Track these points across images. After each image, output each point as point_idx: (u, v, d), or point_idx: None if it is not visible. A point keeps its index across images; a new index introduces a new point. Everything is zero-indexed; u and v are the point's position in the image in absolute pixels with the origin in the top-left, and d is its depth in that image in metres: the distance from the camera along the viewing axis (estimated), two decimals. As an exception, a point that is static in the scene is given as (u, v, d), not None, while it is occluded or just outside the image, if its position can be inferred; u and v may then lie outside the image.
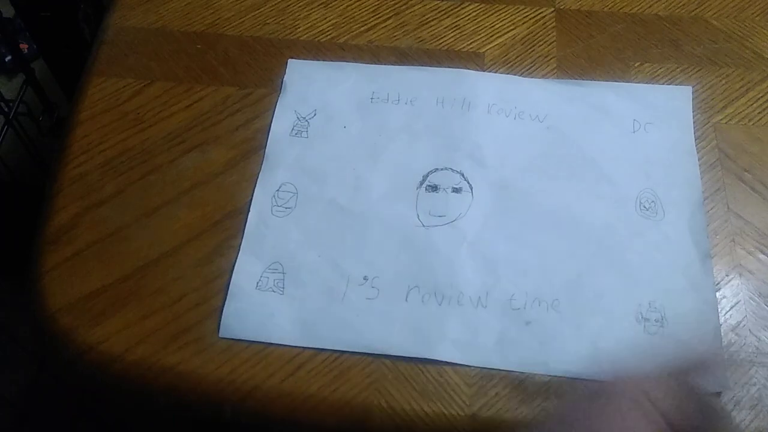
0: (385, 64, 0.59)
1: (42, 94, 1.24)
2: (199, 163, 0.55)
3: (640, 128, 0.55)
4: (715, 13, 0.62)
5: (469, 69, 0.59)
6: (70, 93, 0.61)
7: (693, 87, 0.57)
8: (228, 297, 0.49)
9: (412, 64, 0.59)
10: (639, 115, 0.56)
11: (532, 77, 0.58)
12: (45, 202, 0.53)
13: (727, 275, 0.50)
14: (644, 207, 0.52)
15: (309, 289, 0.49)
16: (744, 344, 0.47)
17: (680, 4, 0.63)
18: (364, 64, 0.59)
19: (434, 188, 0.53)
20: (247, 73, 0.59)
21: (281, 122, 0.56)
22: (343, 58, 0.60)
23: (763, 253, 0.50)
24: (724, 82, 0.58)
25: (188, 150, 0.55)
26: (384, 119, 0.56)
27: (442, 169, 0.54)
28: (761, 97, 0.57)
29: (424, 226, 0.51)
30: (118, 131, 0.56)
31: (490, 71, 0.59)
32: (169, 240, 0.51)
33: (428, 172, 0.54)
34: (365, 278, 0.49)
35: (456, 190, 0.53)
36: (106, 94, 0.58)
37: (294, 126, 0.56)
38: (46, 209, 0.53)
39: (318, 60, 0.60)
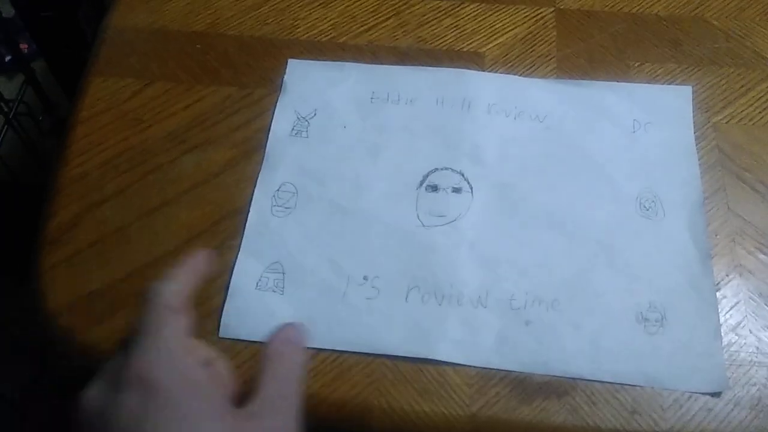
0: (385, 64, 0.59)
1: (42, 94, 1.24)
2: (199, 163, 0.55)
3: (640, 128, 0.55)
4: (715, 13, 0.62)
5: (469, 69, 0.59)
6: (70, 93, 0.62)
7: (693, 87, 0.57)
8: (228, 297, 0.49)
9: (413, 64, 0.59)
10: (639, 115, 0.56)
11: (532, 77, 0.58)
12: (45, 202, 0.53)
13: (727, 275, 0.50)
14: (644, 207, 0.52)
15: (309, 289, 0.49)
16: (744, 344, 0.47)
17: (680, 4, 0.63)
18: (364, 64, 0.59)
19: (434, 188, 0.53)
20: (247, 73, 0.59)
21: (281, 122, 0.56)
22: (343, 58, 0.60)
23: (763, 253, 0.50)
24: (724, 82, 0.58)
25: (188, 150, 0.55)
26: (384, 119, 0.56)
27: (442, 169, 0.54)
28: (761, 97, 0.57)
29: (424, 226, 0.51)
30: (118, 131, 0.56)
31: (490, 71, 0.59)
32: (169, 240, 0.51)
33: (428, 172, 0.54)
34: (365, 278, 0.49)
35: (456, 190, 0.53)
36: (106, 94, 0.58)
37: (294, 126, 0.56)
38: (47, 209, 0.53)
39: (318, 60, 0.60)
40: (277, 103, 0.57)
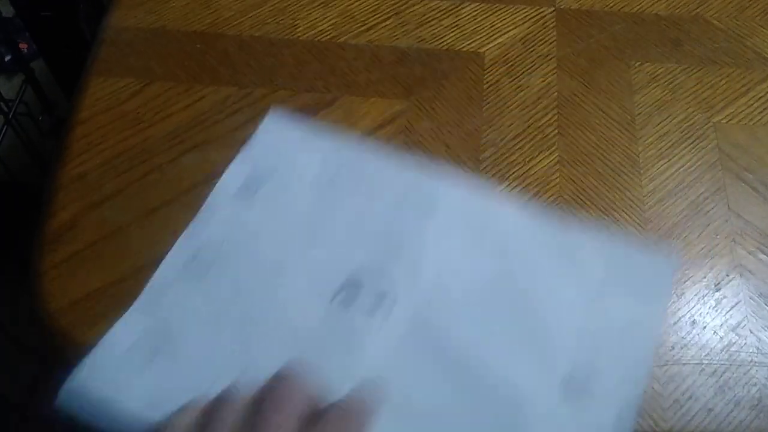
0: (358, 137, 0.54)
1: (41, 94, 1.24)
2: (199, 163, 0.55)
3: (606, 295, 0.47)
4: (715, 13, 0.62)
5: (442, 173, 0.52)
6: (69, 93, 0.61)
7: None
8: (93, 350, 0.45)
9: (413, 65, 0.59)
10: (610, 279, 0.48)
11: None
12: (45, 202, 0.53)
13: (727, 275, 0.50)
14: (571, 387, 0.44)
15: (181, 368, 0.44)
16: (744, 344, 0.47)
17: (681, 3, 0.63)
18: (339, 144, 0.54)
19: (354, 294, 0.47)
20: (247, 73, 0.59)
21: (233, 176, 0.52)
22: (343, 58, 0.60)
23: (764, 253, 0.50)
24: (724, 81, 0.58)
25: (188, 150, 0.55)
26: (336, 206, 0.51)
27: (372, 273, 0.48)
28: (762, 96, 0.57)
29: (332, 328, 0.46)
30: (117, 131, 0.56)
31: (489, 72, 0.59)
32: (169, 240, 0.51)
33: (355, 273, 0.48)
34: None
35: (376, 304, 0.46)
36: (105, 94, 0.58)
37: (244, 184, 0.52)
38: (46, 209, 0.53)
39: (301, 113, 0.58)
40: (239, 153, 0.53)
